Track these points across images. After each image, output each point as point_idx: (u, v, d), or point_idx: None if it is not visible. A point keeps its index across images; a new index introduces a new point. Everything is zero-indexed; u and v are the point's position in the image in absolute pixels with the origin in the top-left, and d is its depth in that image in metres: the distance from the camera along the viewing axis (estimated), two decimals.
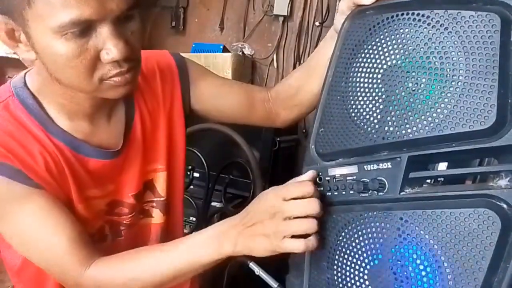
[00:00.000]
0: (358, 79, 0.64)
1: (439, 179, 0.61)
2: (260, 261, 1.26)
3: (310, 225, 0.61)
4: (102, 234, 0.83)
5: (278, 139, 1.93)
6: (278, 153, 1.93)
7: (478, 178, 0.59)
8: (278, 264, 0.89)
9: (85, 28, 0.62)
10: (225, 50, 2.33)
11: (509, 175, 0.53)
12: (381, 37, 0.62)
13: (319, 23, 2.26)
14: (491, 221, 0.51)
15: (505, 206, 0.51)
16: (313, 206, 0.60)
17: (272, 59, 2.42)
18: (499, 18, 0.53)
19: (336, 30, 0.79)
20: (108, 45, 0.63)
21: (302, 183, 0.63)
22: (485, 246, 0.51)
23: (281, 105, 0.94)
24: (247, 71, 2.40)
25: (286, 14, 2.30)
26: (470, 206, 0.53)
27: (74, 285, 0.73)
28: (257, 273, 1.21)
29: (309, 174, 0.66)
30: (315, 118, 0.70)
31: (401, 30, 0.60)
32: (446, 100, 0.55)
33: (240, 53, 2.36)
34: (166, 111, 0.88)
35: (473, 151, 0.55)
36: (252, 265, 1.24)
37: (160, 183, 0.88)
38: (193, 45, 2.45)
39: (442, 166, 0.60)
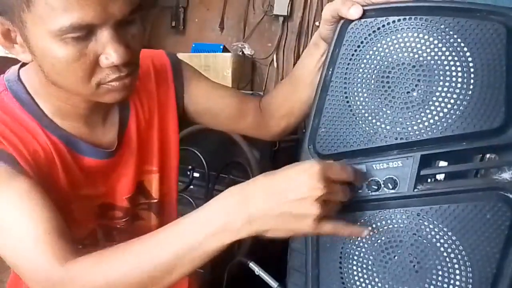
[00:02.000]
0: (364, 80, 0.64)
1: (437, 175, 0.64)
2: (260, 261, 1.26)
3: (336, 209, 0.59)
4: (94, 239, 0.81)
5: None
6: (278, 153, 1.93)
7: (482, 172, 0.62)
8: (278, 264, 0.89)
9: (85, 33, 0.61)
10: (225, 50, 2.33)
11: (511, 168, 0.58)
12: (388, 38, 0.63)
13: (319, 23, 2.26)
14: (502, 211, 0.57)
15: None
16: (347, 193, 0.59)
17: (272, 59, 2.41)
18: (505, 28, 0.57)
19: (322, 37, 0.79)
20: (108, 49, 0.62)
21: (346, 167, 0.60)
22: (498, 232, 0.57)
23: (269, 116, 0.94)
24: (247, 71, 2.39)
25: (286, 14, 2.30)
26: (482, 199, 0.58)
27: (45, 282, 0.64)
28: (257, 273, 1.21)
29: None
30: (310, 118, 0.70)
31: (410, 34, 0.62)
32: (458, 102, 0.59)
33: (240, 53, 2.35)
34: (160, 112, 0.87)
35: (481, 149, 0.59)
36: (252, 265, 1.24)
37: (154, 185, 0.87)
38: (193, 45, 2.45)
39: (443, 163, 0.63)
